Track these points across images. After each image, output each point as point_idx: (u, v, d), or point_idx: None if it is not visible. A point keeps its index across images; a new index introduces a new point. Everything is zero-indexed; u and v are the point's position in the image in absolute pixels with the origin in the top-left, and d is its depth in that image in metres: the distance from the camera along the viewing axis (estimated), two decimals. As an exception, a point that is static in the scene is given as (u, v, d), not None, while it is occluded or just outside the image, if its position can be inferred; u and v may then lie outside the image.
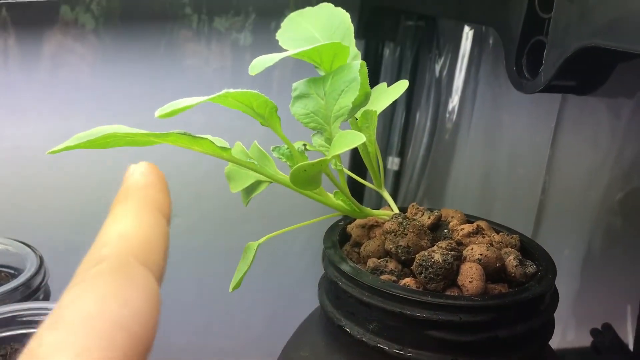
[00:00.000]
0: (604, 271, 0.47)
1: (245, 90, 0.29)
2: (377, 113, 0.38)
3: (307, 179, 0.30)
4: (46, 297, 0.53)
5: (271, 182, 0.38)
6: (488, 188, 0.60)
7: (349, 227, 0.38)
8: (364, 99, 0.36)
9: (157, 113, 0.27)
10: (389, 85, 0.39)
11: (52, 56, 0.64)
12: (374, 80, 0.75)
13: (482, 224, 0.39)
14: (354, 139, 0.30)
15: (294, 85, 0.35)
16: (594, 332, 0.49)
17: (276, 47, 0.37)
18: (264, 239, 0.36)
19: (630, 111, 0.44)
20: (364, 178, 0.43)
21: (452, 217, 0.39)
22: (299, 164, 0.29)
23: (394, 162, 0.79)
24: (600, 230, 0.47)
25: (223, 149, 0.31)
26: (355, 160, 0.71)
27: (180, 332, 0.81)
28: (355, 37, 0.76)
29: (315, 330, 0.38)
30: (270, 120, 0.32)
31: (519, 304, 0.32)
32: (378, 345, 0.32)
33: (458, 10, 0.53)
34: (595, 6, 0.36)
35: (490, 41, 0.60)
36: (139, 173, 0.21)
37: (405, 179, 0.75)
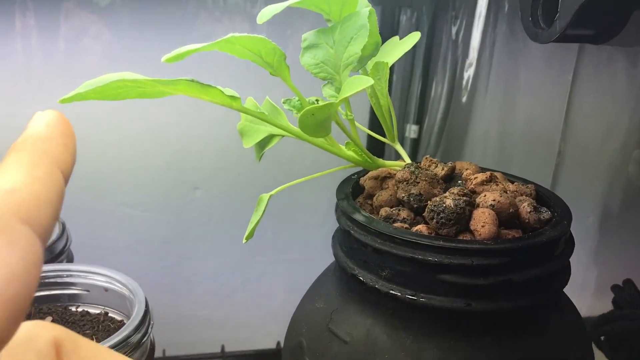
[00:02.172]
0: (624, 226, 0.46)
1: (252, 34, 0.29)
2: (389, 64, 0.38)
3: (315, 124, 0.30)
4: (69, 262, 0.54)
5: (283, 136, 0.38)
6: (506, 147, 0.59)
7: (362, 180, 0.38)
8: (374, 48, 0.35)
9: (163, 58, 0.27)
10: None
11: (69, 30, 0.64)
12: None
13: (497, 174, 0.38)
14: (362, 81, 0.30)
15: (304, 36, 0.35)
16: (614, 288, 0.48)
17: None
18: (276, 190, 0.36)
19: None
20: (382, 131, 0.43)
21: (466, 169, 0.39)
22: (307, 107, 0.29)
23: (411, 130, 0.78)
24: (619, 183, 0.46)
25: (232, 98, 0.31)
26: (374, 121, 0.71)
27: (204, 303, 0.82)
28: (372, 3, 0.76)
29: (330, 282, 0.38)
30: (279, 69, 0.32)
31: (532, 247, 0.31)
32: (391, 291, 0.32)
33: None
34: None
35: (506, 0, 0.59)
36: (43, 122, 0.19)
37: (423, 146, 0.74)
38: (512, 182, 0.38)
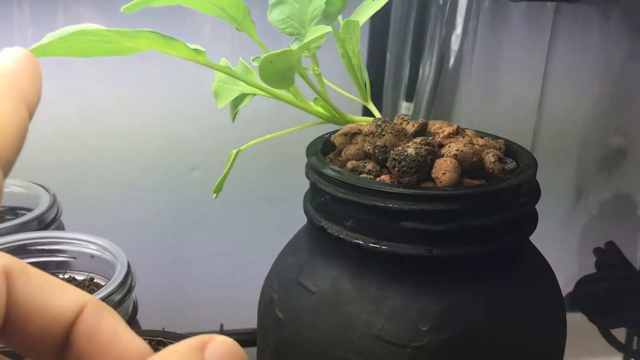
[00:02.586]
0: (605, 188, 0.46)
1: (211, -15, 0.30)
2: (360, 23, 0.38)
3: (275, 72, 0.31)
4: (60, 232, 0.56)
5: (254, 95, 0.38)
6: (490, 112, 0.59)
7: (333, 137, 0.39)
8: (341, 4, 0.36)
9: (122, 8, 0.28)
10: None
11: (66, 22, 0.66)
12: (383, 19, 0.75)
13: (468, 130, 0.39)
14: (321, 29, 0.31)
15: (271, -7, 0.36)
16: (596, 250, 0.48)
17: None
18: (245, 146, 0.37)
19: (618, 14, 0.43)
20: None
21: (438, 126, 0.39)
22: (266, 55, 0.30)
23: (404, 107, 0.78)
24: (597, 144, 0.46)
25: (197, 51, 0.32)
26: (370, 75, 0.72)
27: (203, 283, 0.83)
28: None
29: (301, 238, 0.39)
30: (244, 23, 0.33)
31: (492, 194, 0.32)
32: (354, 240, 0.33)
33: None
34: None
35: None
36: (11, 58, 0.19)
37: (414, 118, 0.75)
38: (482, 137, 0.38)
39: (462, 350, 0.32)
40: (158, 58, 0.63)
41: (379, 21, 0.76)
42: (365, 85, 0.40)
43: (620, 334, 0.52)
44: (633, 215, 0.44)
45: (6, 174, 0.17)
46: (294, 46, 0.36)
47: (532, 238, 0.37)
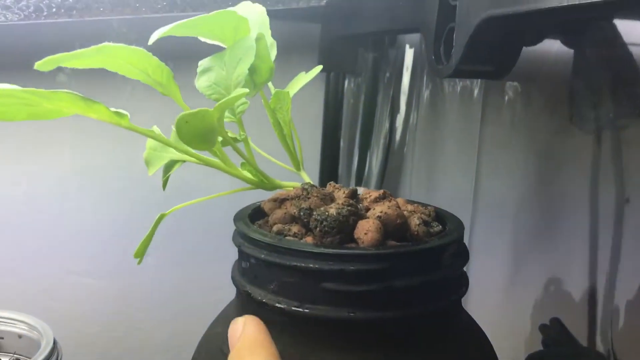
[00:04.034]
0: (545, 263, 0.46)
1: (133, 47, 0.30)
2: (291, 95, 0.39)
3: (192, 132, 0.31)
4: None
5: (184, 162, 0.38)
6: (433, 183, 0.60)
7: (262, 203, 0.39)
8: (268, 74, 0.37)
9: (36, 64, 0.28)
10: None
11: None
12: (336, 110, 0.77)
13: (399, 199, 0.39)
14: (238, 92, 0.31)
15: (200, 62, 0.37)
16: (542, 327, 0.47)
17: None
18: (171, 210, 0.36)
19: (537, 91, 0.45)
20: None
21: (369, 193, 0.39)
22: (180, 114, 0.30)
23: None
24: (530, 216, 0.46)
25: (119, 114, 0.32)
26: (325, 164, 0.73)
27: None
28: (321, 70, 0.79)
29: (230, 306, 0.37)
30: (169, 87, 0.34)
31: (415, 254, 0.32)
32: (277, 304, 0.32)
33: (391, 21, 0.55)
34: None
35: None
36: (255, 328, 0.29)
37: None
38: (413, 204, 0.39)
39: (389, 420, 0.31)
40: (100, 137, 0.63)
41: (333, 111, 0.78)
42: (297, 154, 0.40)
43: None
44: (572, 291, 0.44)
45: None
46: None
47: (473, 315, 0.37)
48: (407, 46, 0.66)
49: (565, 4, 0.30)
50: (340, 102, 0.79)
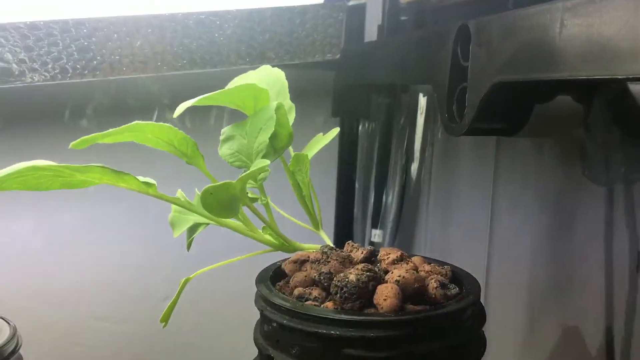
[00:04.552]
0: (560, 319, 0.47)
1: (160, 123, 0.32)
2: (309, 157, 0.41)
3: (217, 203, 0.32)
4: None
5: (208, 224, 0.40)
6: (446, 238, 0.61)
7: (283, 264, 0.40)
8: (287, 139, 0.38)
9: (71, 144, 0.29)
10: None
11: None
12: (351, 152, 0.78)
13: (416, 258, 0.40)
14: (260, 162, 0.32)
15: (222, 130, 0.38)
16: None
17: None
18: (194, 274, 0.37)
19: (550, 147, 0.46)
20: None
21: (387, 253, 0.40)
22: (205, 187, 0.31)
23: (376, 234, 0.80)
24: (545, 269, 0.47)
25: (147, 184, 0.34)
26: (341, 207, 0.74)
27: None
28: (332, 115, 0.80)
29: (252, 367, 0.38)
30: (194, 157, 0.35)
31: (434, 319, 0.32)
32: (299, 369, 0.32)
33: (403, 76, 0.56)
34: (497, 49, 0.39)
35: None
36: None
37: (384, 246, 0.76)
38: (430, 264, 0.39)
39: None
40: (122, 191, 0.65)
41: (347, 154, 0.80)
42: (316, 214, 0.41)
43: None
44: (588, 346, 0.44)
45: None
46: (242, 178, 0.37)
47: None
48: (421, 95, 0.67)
49: (577, 77, 0.31)
50: (355, 145, 0.81)
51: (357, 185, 0.82)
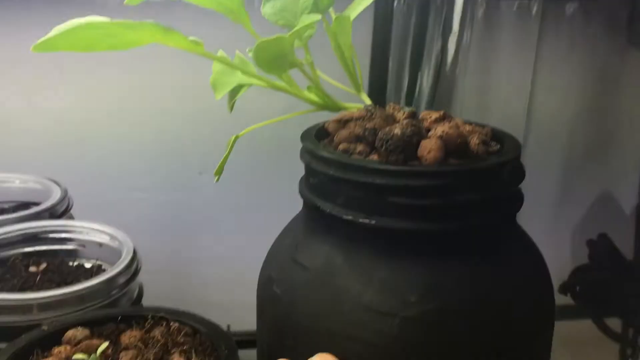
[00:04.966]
0: (596, 180, 0.48)
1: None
2: (351, 18, 0.41)
3: (268, 57, 0.33)
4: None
5: (250, 85, 0.40)
6: (484, 115, 0.61)
7: (327, 124, 0.41)
8: (331, -1, 0.38)
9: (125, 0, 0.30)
10: None
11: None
12: (386, 30, 0.77)
13: (457, 118, 0.40)
14: (311, 17, 0.33)
15: (265, -12, 0.38)
16: (589, 242, 0.50)
17: None
18: (244, 132, 0.39)
19: (596, 10, 0.45)
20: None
21: (430, 114, 0.41)
22: (259, 41, 0.32)
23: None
24: (584, 133, 0.47)
25: (195, 43, 0.34)
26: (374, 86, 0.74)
27: (210, 285, 0.85)
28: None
29: (298, 219, 0.40)
30: (239, 13, 0.35)
31: (475, 171, 0.34)
32: (345, 217, 0.34)
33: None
34: None
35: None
36: None
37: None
38: (470, 124, 0.40)
39: (448, 320, 0.34)
40: (163, 62, 0.65)
41: (381, 33, 0.78)
42: (357, 76, 0.42)
43: (615, 325, 0.53)
44: (621, 208, 0.45)
45: None
46: (288, 36, 0.38)
47: (526, 228, 0.39)
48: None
49: None
50: (390, 22, 0.79)
51: (390, 65, 0.81)
